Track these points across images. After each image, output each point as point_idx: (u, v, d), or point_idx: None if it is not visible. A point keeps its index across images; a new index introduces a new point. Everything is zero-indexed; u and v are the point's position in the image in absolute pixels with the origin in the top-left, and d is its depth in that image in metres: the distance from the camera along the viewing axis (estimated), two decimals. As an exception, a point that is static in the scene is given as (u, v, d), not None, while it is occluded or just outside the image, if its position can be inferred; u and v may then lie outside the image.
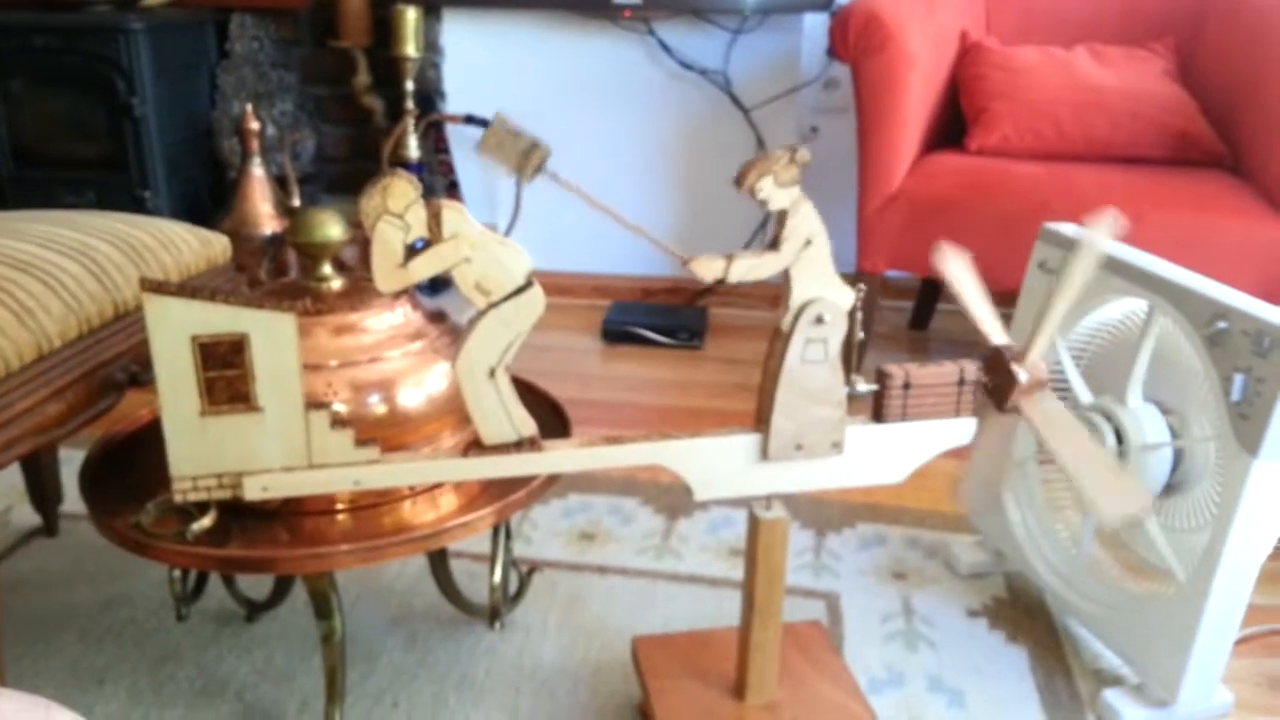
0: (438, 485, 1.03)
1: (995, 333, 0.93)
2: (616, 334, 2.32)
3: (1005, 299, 1.36)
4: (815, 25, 2.44)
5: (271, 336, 0.83)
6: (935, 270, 0.95)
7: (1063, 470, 0.91)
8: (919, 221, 1.88)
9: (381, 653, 1.23)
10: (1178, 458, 1.13)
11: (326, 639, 1.04)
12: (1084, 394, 1.23)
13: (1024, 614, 1.33)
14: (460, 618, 1.28)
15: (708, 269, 0.86)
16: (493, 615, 1.27)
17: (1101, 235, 0.90)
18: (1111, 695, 1.15)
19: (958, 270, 0.95)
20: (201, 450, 0.85)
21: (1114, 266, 1.18)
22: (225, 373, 0.82)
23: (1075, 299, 0.91)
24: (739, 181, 0.84)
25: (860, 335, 0.92)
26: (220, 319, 0.81)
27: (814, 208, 0.86)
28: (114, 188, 2.44)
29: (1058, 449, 0.88)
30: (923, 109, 1.97)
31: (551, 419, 1.16)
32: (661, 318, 2.38)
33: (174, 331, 0.81)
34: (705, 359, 2.24)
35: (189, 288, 0.81)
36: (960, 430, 0.95)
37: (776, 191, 0.85)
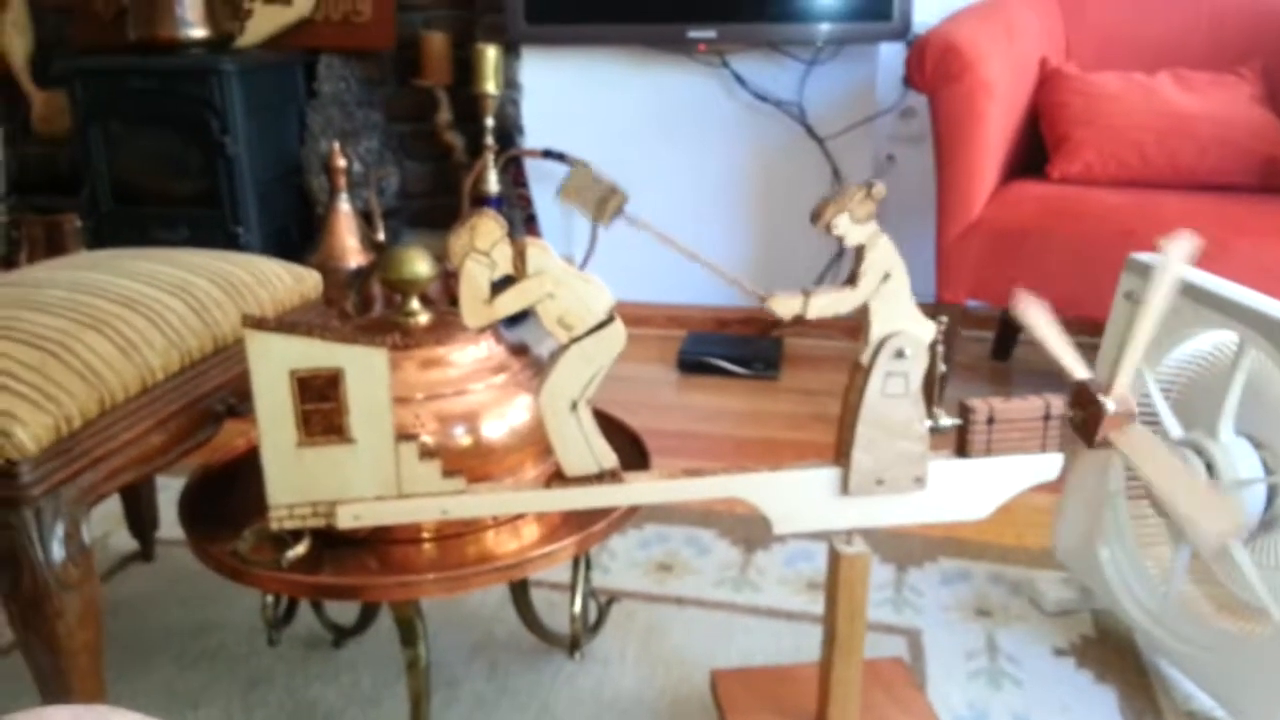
0: (520, 516, 1.05)
1: (1078, 368, 0.92)
2: (692, 364, 2.33)
3: (1090, 329, 1.34)
4: (891, 54, 2.44)
5: (365, 371, 0.85)
6: (1013, 312, 0.95)
7: (1156, 496, 0.90)
8: (1000, 251, 1.86)
9: (464, 680, 1.25)
10: (1271, 493, 1.10)
11: (411, 665, 1.06)
12: (1174, 428, 1.20)
13: (1113, 653, 1.30)
14: (540, 647, 1.30)
15: (786, 307, 0.87)
16: (572, 645, 1.28)
17: (1179, 257, 0.89)
18: (1206, 738, 1.12)
19: (1036, 315, 0.94)
20: (297, 480, 0.88)
21: (1203, 297, 1.16)
22: (321, 405, 0.85)
23: (1156, 325, 0.90)
24: (815, 218, 0.85)
25: (942, 368, 0.92)
26: (317, 354, 0.84)
27: (891, 241, 0.86)
28: (207, 224, 2.54)
29: (1151, 475, 0.87)
30: (1002, 137, 1.96)
31: (630, 450, 1.17)
32: (737, 348, 2.38)
33: (273, 366, 0.84)
34: (781, 390, 2.23)
35: (287, 324, 0.85)
36: (1046, 466, 0.94)
37: (853, 227, 0.85)
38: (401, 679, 1.18)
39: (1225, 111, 1.91)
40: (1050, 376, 0.95)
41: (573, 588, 1.21)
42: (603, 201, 0.85)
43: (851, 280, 0.88)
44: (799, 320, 0.87)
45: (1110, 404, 0.88)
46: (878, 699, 1.09)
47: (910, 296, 0.88)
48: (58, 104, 2.80)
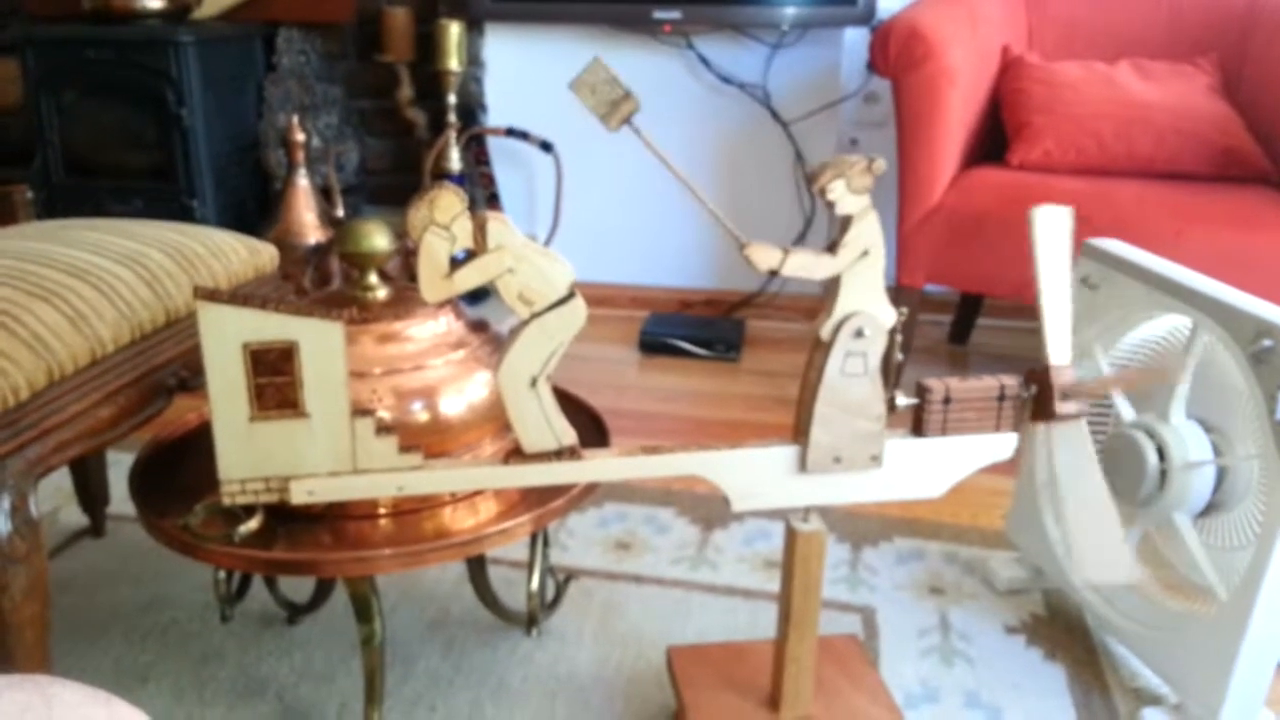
0: (478, 492, 1.04)
1: (1058, 349, 0.92)
2: (654, 345, 2.33)
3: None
4: (855, 39, 2.44)
5: (320, 344, 0.84)
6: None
7: (1064, 514, 0.92)
8: (959, 236, 1.88)
9: (419, 657, 1.24)
10: (1220, 476, 1.12)
11: (366, 642, 1.05)
12: (1127, 411, 1.22)
13: (1062, 631, 1.32)
14: (497, 624, 1.30)
15: (764, 258, 0.87)
16: (529, 622, 1.28)
17: (1056, 226, 0.90)
18: (1150, 715, 1.14)
19: (1051, 235, 0.92)
20: (250, 454, 0.86)
21: (1157, 282, 1.17)
22: (274, 379, 0.84)
23: (1063, 286, 0.91)
24: (812, 180, 0.85)
25: (899, 357, 0.92)
26: (271, 327, 0.83)
27: (878, 221, 0.86)
28: (162, 197, 2.49)
29: (1070, 492, 0.88)
30: (963, 123, 1.97)
31: (590, 429, 1.17)
32: (698, 329, 2.38)
33: (226, 339, 0.83)
34: (742, 371, 2.24)
35: (241, 296, 0.83)
36: (1000, 446, 0.95)
37: (847, 196, 0.85)
38: (356, 655, 1.17)
39: (1183, 102, 1.93)
40: (1006, 360, 0.96)
41: (530, 565, 1.20)
42: (615, 104, 0.83)
43: (831, 249, 0.88)
44: (773, 274, 0.87)
45: (1064, 406, 0.89)
46: (831, 675, 1.10)
47: (882, 279, 0.89)
48: (9, 73, 2.73)
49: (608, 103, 0.83)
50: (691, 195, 0.88)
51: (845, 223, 0.87)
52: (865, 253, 0.87)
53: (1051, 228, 0.91)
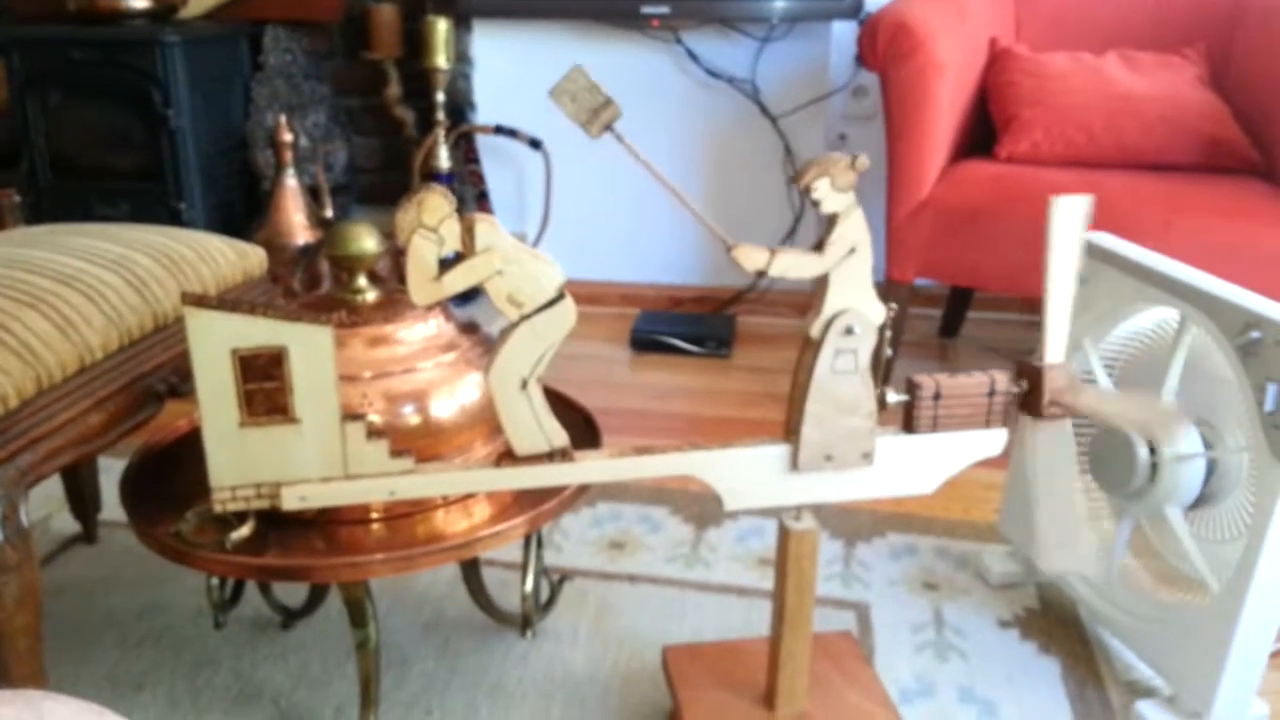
0: (470, 495, 1.04)
1: (1055, 348, 0.92)
2: (645, 343, 2.33)
3: (1036, 307, 1.36)
4: (843, 33, 2.44)
5: (310, 349, 0.84)
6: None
7: (1033, 503, 0.92)
8: (948, 229, 1.88)
9: (415, 660, 1.24)
10: (1211, 468, 1.12)
11: (361, 646, 1.05)
12: (1116, 404, 1.23)
13: (1056, 624, 1.33)
14: (492, 626, 1.29)
15: (751, 259, 0.87)
16: (524, 623, 1.28)
17: (1076, 217, 0.90)
18: (1144, 707, 1.14)
19: (1066, 227, 0.91)
20: (240, 461, 0.86)
21: (1146, 275, 1.17)
22: (264, 385, 0.84)
23: (1072, 281, 0.91)
24: (796, 179, 0.85)
25: (889, 352, 0.92)
26: (260, 332, 0.83)
27: (864, 218, 0.86)
28: (149, 199, 2.48)
29: (1043, 486, 0.89)
30: (952, 116, 1.97)
31: (582, 429, 1.17)
32: (690, 326, 2.38)
33: (215, 344, 0.82)
34: (733, 368, 2.24)
35: (229, 301, 0.83)
36: (991, 441, 0.95)
37: (832, 194, 0.85)
38: (351, 660, 1.17)
39: (1171, 92, 1.94)
40: (996, 352, 0.96)
41: (524, 566, 1.20)
42: (596, 111, 0.83)
43: (818, 247, 0.88)
44: (761, 275, 0.87)
45: (1049, 369, 0.90)
46: (826, 672, 1.10)
47: (869, 276, 0.89)
48: (-7, 75, 2.72)
49: (588, 110, 0.82)
50: (676, 198, 0.88)
51: (831, 221, 0.87)
52: (852, 250, 0.87)
53: (1069, 218, 0.91)
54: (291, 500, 0.88)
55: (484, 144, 2.63)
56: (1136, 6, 2.16)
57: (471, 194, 2.62)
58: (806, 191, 0.85)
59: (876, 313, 0.89)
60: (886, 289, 1.86)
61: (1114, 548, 1.23)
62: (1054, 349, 0.92)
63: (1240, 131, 1.90)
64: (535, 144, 2.50)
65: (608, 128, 0.84)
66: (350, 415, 0.88)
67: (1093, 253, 1.26)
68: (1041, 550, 0.94)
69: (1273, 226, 1.68)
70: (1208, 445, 1.13)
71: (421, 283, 0.84)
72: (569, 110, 0.82)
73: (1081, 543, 0.94)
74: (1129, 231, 1.33)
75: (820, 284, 0.89)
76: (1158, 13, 2.15)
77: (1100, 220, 1.53)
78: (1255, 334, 1.02)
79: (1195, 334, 1.13)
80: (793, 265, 0.87)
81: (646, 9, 2.36)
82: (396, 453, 0.89)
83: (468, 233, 0.84)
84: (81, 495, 1.47)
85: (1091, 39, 2.14)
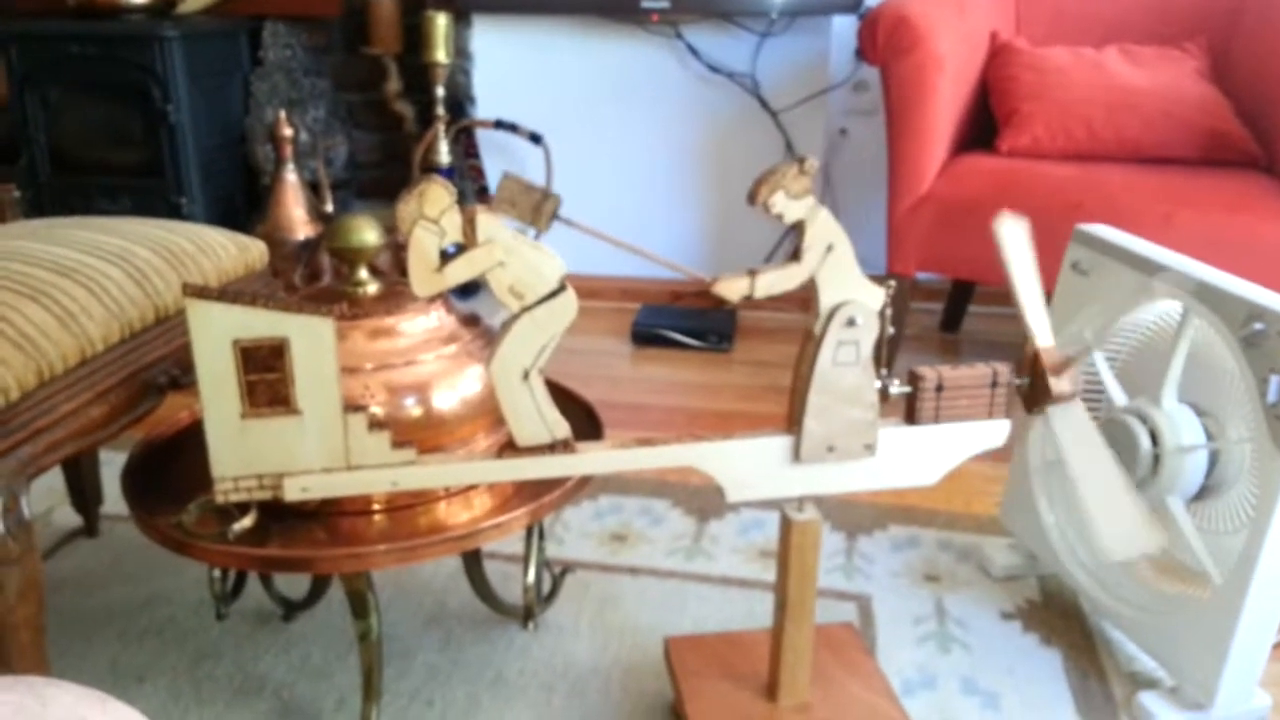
0: (472, 486, 1.04)
1: (1041, 333, 0.92)
2: (646, 337, 2.33)
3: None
4: (844, 27, 2.44)
5: (311, 340, 0.84)
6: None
7: (1078, 494, 0.92)
8: (949, 223, 1.88)
9: (417, 652, 1.24)
10: (1213, 459, 1.13)
11: (363, 638, 1.05)
12: (1119, 396, 1.23)
13: (1058, 616, 1.33)
14: (494, 618, 1.29)
15: (733, 289, 0.86)
16: (526, 615, 1.28)
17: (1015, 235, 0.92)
18: (1147, 698, 1.14)
19: (1014, 242, 0.93)
20: (242, 452, 0.86)
21: (1147, 267, 1.17)
22: (265, 376, 0.84)
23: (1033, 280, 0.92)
24: (751, 199, 0.85)
25: (890, 330, 0.92)
26: (261, 323, 0.83)
27: (830, 213, 0.86)
28: (150, 194, 2.48)
29: (1078, 472, 0.89)
30: (953, 111, 1.97)
31: (584, 421, 1.17)
32: (690, 320, 2.38)
33: (216, 336, 0.82)
34: (734, 361, 2.24)
35: (230, 293, 0.83)
36: (993, 432, 0.95)
37: (790, 204, 0.85)
38: (353, 651, 1.17)
39: (1171, 86, 1.93)
40: (998, 348, 0.96)
41: (526, 558, 1.20)
42: (537, 207, 0.84)
43: (796, 256, 0.88)
44: (748, 300, 0.87)
45: (1059, 384, 0.90)
46: (828, 663, 1.10)
47: (855, 265, 0.88)
48: (-8, 70, 2.71)
49: (530, 209, 0.84)
50: (641, 255, 0.88)
51: (800, 228, 0.86)
52: (830, 247, 0.87)
53: (1015, 235, 0.93)
54: (293, 491, 0.88)
55: (484, 139, 2.62)
56: (1137, 1, 2.16)
57: (472, 189, 2.62)
58: (766, 209, 0.85)
59: (875, 298, 0.89)
60: (887, 282, 1.86)
61: (1115, 540, 1.23)
62: (1040, 333, 0.92)
63: (1240, 125, 1.90)
64: (535, 138, 2.50)
65: (553, 218, 0.85)
66: (352, 407, 0.88)
67: (1095, 246, 1.26)
68: (1102, 544, 0.93)
69: (1273, 219, 1.68)
70: (1210, 436, 1.13)
71: (423, 274, 0.84)
72: (512, 215, 0.84)
73: (1140, 517, 0.92)
74: (1130, 225, 1.33)
75: (811, 286, 0.89)
76: (1158, 6, 2.15)
77: (1101, 214, 1.54)
78: (1258, 326, 1.02)
79: (1198, 326, 1.13)
80: (776, 282, 0.87)
81: (646, 3, 2.36)
82: (398, 444, 0.89)
83: (469, 224, 0.84)
84: (83, 488, 1.47)
85: (1092, 33, 2.14)
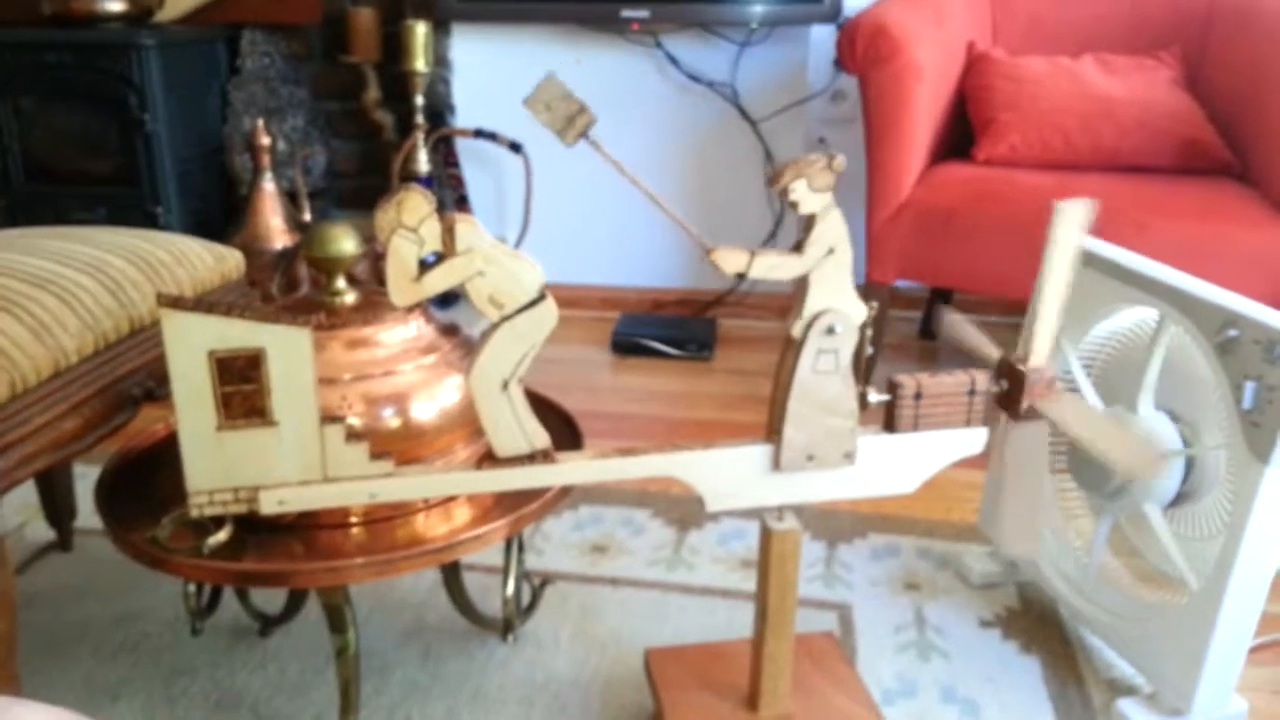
0: (451, 498, 1.03)
1: (993, 350, 0.94)
2: (626, 346, 2.33)
3: (1015, 309, 1.36)
4: (822, 37, 2.45)
5: (288, 351, 0.83)
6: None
7: (1085, 447, 0.93)
8: (928, 232, 1.88)
9: (395, 666, 1.23)
10: (1189, 466, 1.13)
11: (340, 653, 1.04)
12: (1095, 403, 1.23)
13: (1037, 624, 1.33)
14: (473, 630, 1.29)
15: (730, 261, 0.86)
16: (505, 628, 1.27)
17: (1076, 222, 0.91)
18: (1125, 705, 1.15)
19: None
20: (218, 464, 0.85)
21: (1123, 275, 1.18)
22: (242, 387, 0.83)
23: (1064, 291, 0.92)
24: (773, 181, 0.85)
25: (870, 350, 0.92)
26: (237, 334, 0.82)
27: (842, 218, 0.86)
28: (126, 203, 2.46)
29: (1077, 430, 0.90)
30: (930, 120, 1.98)
31: (563, 431, 1.16)
32: (671, 329, 2.38)
33: (191, 347, 0.82)
34: (715, 370, 2.24)
35: (205, 303, 0.82)
36: (972, 440, 0.95)
37: (809, 195, 0.85)
38: (330, 666, 1.16)
39: (1146, 95, 1.95)
40: (977, 354, 0.97)
41: (505, 570, 1.20)
42: (571, 119, 0.83)
43: (797, 248, 0.88)
44: (741, 277, 0.87)
45: (1032, 372, 0.90)
46: (808, 673, 1.10)
47: (849, 276, 0.89)
48: (-35, 79, 2.68)
49: (563, 118, 0.82)
50: (653, 202, 0.88)
51: (809, 222, 0.87)
52: (831, 250, 0.87)
53: (1070, 224, 0.91)
54: (270, 504, 0.87)
55: (464, 147, 2.62)
56: (1112, 10, 2.18)
57: (451, 197, 2.61)
58: (784, 194, 0.85)
59: (858, 312, 0.89)
60: (867, 291, 1.87)
61: (1093, 546, 1.23)
62: (1039, 352, 0.92)
63: (1215, 133, 1.92)
64: (515, 147, 2.49)
65: (583, 134, 0.84)
66: (329, 418, 0.87)
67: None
68: (1003, 534, 0.97)
69: (1247, 227, 1.69)
70: (1186, 443, 1.14)
71: (401, 283, 0.83)
72: (544, 119, 0.82)
73: (1037, 531, 0.96)
74: (1105, 233, 1.34)
75: (800, 285, 0.89)
76: (1133, 16, 2.17)
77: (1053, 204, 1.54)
78: (1233, 332, 1.03)
79: (1173, 333, 1.13)
80: (772, 266, 0.87)
81: (626, 13, 2.37)
82: (376, 455, 0.88)
83: (448, 233, 0.83)
84: (56, 502, 1.45)
85: (1067, 42, 2.15)
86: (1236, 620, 1.05)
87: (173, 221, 2.46)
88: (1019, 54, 2.09)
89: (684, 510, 1.59)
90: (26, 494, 1.51)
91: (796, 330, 0.89)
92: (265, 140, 2.29)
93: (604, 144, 0.85)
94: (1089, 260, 1.24)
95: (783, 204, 2.54)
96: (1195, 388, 1.13)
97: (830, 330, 0.88)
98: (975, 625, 1.33)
